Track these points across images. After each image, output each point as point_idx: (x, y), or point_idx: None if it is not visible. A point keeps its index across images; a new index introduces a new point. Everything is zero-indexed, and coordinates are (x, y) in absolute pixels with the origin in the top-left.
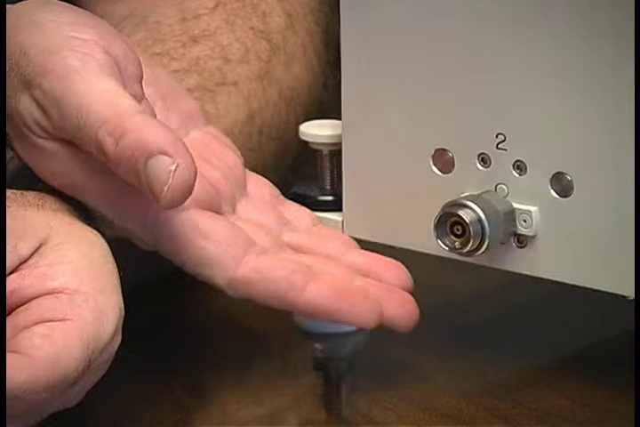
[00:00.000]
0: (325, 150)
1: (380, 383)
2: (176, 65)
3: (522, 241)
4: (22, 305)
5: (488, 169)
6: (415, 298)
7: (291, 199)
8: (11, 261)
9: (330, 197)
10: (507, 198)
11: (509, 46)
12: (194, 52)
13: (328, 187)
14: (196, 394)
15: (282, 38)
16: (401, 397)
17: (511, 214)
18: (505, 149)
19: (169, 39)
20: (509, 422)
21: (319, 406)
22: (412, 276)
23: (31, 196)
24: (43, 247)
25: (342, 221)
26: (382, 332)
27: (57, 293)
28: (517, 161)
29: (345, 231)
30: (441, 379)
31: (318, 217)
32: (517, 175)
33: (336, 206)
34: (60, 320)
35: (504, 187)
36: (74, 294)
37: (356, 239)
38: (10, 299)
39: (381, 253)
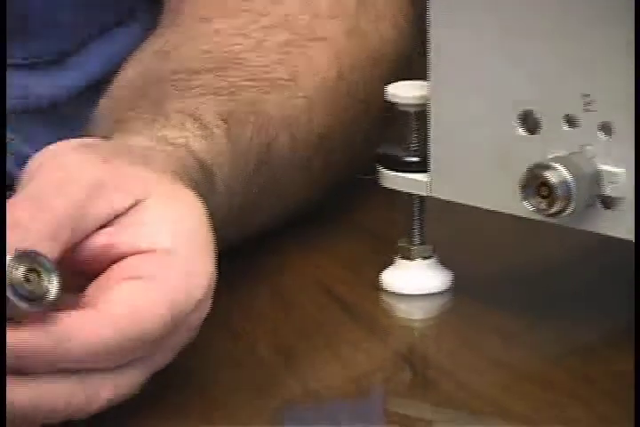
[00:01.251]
0: (412, 111)
1: (466, 346)
2: (265, 21)
3: (608, 203)
4: (115, 261)
5: (574, 130)
6: (504, 260)
7: (376, 161)
8: (104, 212)
9: (416, 159)
10: (593, 160)
11: (597, 5)
12: (282, 9)
13: (414, 148)
14: (284, 357)
15: None
16: (487, 359)
17: (597, 176)
18: (592, 111)
19: None
20: (597, 385)
21: (404, 367)
22: (501, 237)
23: (138, 151)
24: (141, 205)
25: (428, 182)
26: (469, 293)
27: (151, 251)
28: (604, 122)
29: (431, 192)
30: (528, 342)
31: (404, 178)
32: (604, 137)
33: (422, 167)
34: (147, 279)
35: (591, 148)
36: (167, 255)
37: (442, 200)
38: (104, 254)
39: (467, 215)
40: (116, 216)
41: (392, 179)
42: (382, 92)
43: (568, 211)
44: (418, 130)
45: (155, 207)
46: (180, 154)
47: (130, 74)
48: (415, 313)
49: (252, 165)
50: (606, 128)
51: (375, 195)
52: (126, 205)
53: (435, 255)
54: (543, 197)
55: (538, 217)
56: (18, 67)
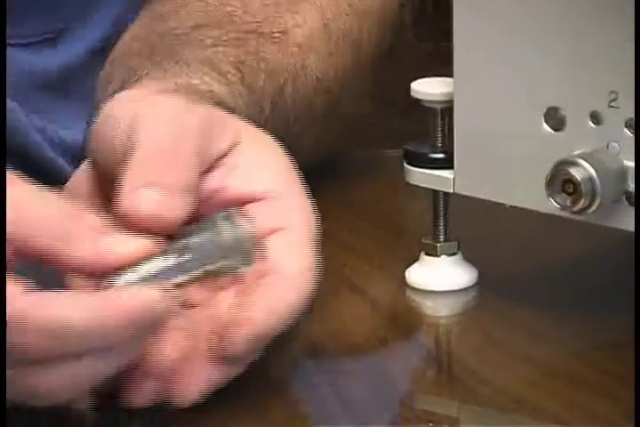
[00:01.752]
0: (437, 108)
1: (491, 341)
2: None
3: (634, 199)
4: (225, 205)
5: (600, 127)
6: (528, 256)
7: (403, 157)
8: (210, 153)
9: (441, 155)
10: (618, 156)
11: (623, 2)
12: None
13: (439, 144)
14: (313, 353)
15: None
16: (513, 355)
17: (623, 172)
18: (617, 107)
19: None
20: (623, 382)
21: (429, 363)
22: (526, 234)
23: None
24: (238, 148)
25: (453, 179)
26: (494, 289)
27: (265, 198)
28: (629, 119)
29: (456, 189)
30: (555, 338)
31: (429, 174)
32: (629, 133)
33: (447, 164)
34: (290, 229)
35: (616, 145)
36: (283, 200)
37: (467, 197)
38: (215, 198)
39: (492, 211)
40: (220, 158)
41: (417, 175)
42: (373, 40)
43: (593, 207)
44: (443, 126)
45: (250, 151)
46: (206, 98)
47: (133, 34)
48: (441, 310)
49: (267, 109)
50: (631, 124)
51: (401, 190)
52: (228, 147)
53: (459, 252)
54: (568, 194)
55: (563, 214)
56: (21, 46)
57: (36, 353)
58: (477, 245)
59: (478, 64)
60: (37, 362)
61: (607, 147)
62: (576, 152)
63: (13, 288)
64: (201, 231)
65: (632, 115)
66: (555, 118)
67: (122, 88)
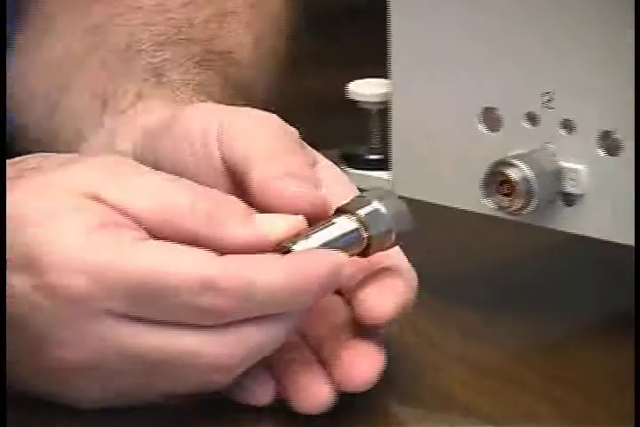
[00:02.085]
0: (374, 109)
1: (426, 342)
2: None
3: (569, 200)
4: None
5: (535, 128)
6: (464, 258)
7: (340, 158)
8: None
9: (378, 156)
10: (554, 157)
11: (557, 3)
12: None
13: (376, 146)
14: None
15: None
16: (448, 355)
17: (559, 173)
18: (552, 108)
19: None
20: (559, 381)
21: None
22: (461, 235)
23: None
24: (321, 164)
25: (390, 180)
26: (429, 291)
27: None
28: (565, 120)
29: (393, 190)
30: (489, 338)
31: (366, 176)
32: (565, 134)
33: (384, 165)
34: None
35: (552, 145)
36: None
37: (405, 198)
38: None
39: (430, 212)
40: None
41: (355, 177)
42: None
43: (530, 208)
44: (380, 128)
45: (330, 167)
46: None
47: (57, 53)
48: None
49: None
50: (567, 125)
51: None
52: (312, 162)
53: None
54: (505, 195)
55: (500, 214)
56: None
57: (223, 316)
58: (412, 248)
59: (415, 65)
60: (217, 327)
61: (543, 148)
62: (512, 153)
63: (205, 254)
64: (363, 203)
65: (567, 115)
66: (490, 119)
67: (105, 102)
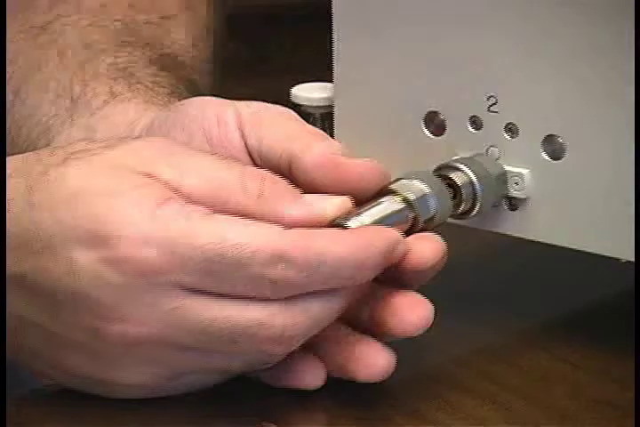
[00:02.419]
0: (317, 113)
1: None
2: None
3: (514, 204)
4: None
5: (480, 132)
6: None
7: None
8: None
9: None
10: (498, 161)
11: (499, 8)
12: None
13: None
14: None
15: None
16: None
17: (503, 177)
18: (496, 112)
19: None
20: (502, 384)
21: None
22: None
23: None
24: None
25: None
26: None
27: None
28: (509, 124)
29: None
30: (433, 342)
31: None
32: (509, 138)
33: None
34: None
35: (496, 149)
36: None
37: None
38: None
39: None
40: None
41: None
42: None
43: (474, 212)
44: (323, 132)
45: None
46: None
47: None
48: None
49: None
50: (511, 129)
51: None
52: None
53: None
54: (449, 199)
55: None
56: None
57: (292, 287)
58: None
59: (358, 69)
60: (282, 299)
61: (487, 152)
62: (456, 157)
63: (274, 227)
64: (409, 185)
65: (511, 119)
66: (434, 123)
67: (74, 102)
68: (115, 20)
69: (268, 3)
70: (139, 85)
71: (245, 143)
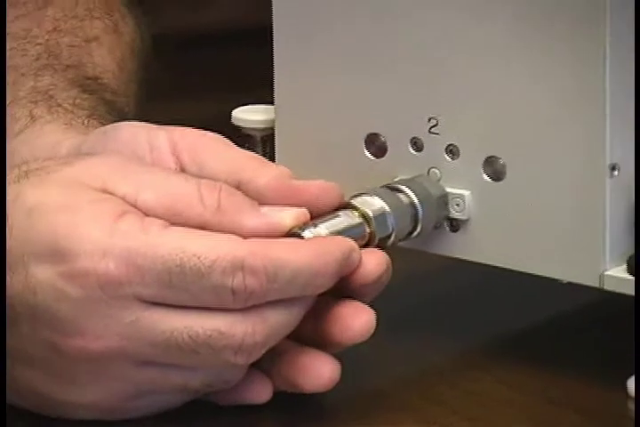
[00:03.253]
0: (258, 136)
1: None
2: (46, 25)
3: (455, 225)
4: None
5: (421, 153)
6: None
7: None
8: None
9: None
10: (439, 182)
11: (440, 31)
12: (51, 12)
13: None
14: None
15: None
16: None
17: (444, 198)
18: (437, 134)
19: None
20: (444, 405)
21: None
22: None
23: None
24: None
25: None
26: None
27: None
28: (450, 145)
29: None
30: (374, 362)
31: None
32: (450, 159)
33: None
34: None
35: (437, 171)
36: None
37: None
38: None
39: None
40: None
41: None
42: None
43: (415, 233)
44: (264, 154)
45: None
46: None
47: None
48: None
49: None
50: (452, 151)
51: None
52: None
53: None
54: None
55: None
56: None
57: (251, 297)
58: None
59: (299, 90)
60: (241, 309)
61: (428, 173)
62: (397, 178)
63: (232, 237)
64: (369, 201)
65: (452, 141)
66: (375, 145)
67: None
68: (36, 44)
69: (199, 23)
70: (59, 108)
71: (182, 169)
